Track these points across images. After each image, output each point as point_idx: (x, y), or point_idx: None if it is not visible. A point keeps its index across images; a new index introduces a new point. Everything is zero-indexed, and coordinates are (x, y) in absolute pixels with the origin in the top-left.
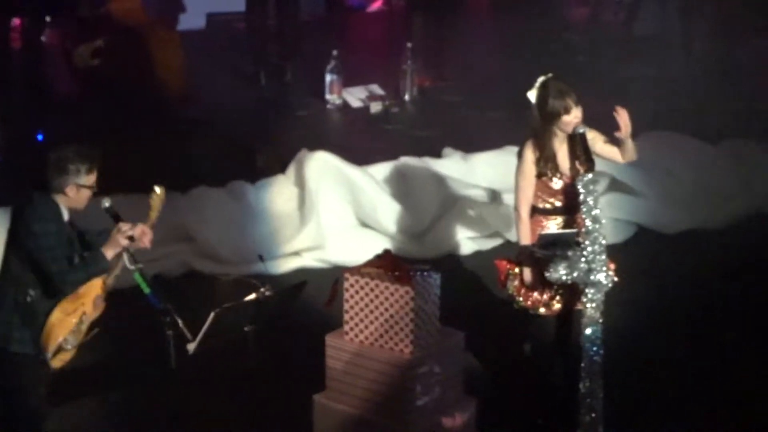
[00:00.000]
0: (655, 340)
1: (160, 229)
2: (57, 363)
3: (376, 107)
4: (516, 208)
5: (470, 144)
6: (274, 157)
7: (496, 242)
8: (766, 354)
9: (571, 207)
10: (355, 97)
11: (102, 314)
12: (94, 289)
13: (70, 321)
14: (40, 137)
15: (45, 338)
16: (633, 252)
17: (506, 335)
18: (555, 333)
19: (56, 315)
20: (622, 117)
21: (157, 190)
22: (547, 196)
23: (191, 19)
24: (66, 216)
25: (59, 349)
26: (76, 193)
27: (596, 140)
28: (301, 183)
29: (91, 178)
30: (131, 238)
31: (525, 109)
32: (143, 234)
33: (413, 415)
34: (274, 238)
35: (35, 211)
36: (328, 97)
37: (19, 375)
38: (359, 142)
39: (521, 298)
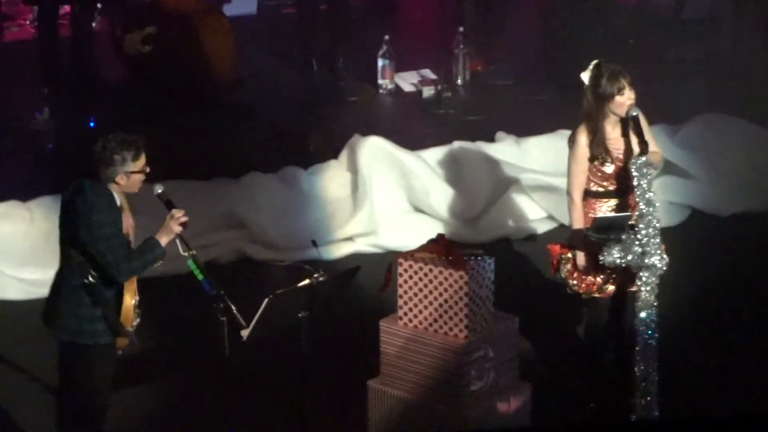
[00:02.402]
0: (710, 323)
1: (212, 215)
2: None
3: (428, 92)
4: (569, 193)
5: (523, 128)
6: (326, 142)
7: (549, 226)
8: None
9: (623, 190)
10: (407, 81)
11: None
12: None
13: (131, 301)
14: (91, 124)
15: (125, 318)
16: (687, 235)
17: (560, 319)
18: (609, 316)
19: (127, 295)
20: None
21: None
22: (600, 179)
23: (242, 5)
24: (119, 201)
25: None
26: (126, 180)
27: (644, 129)
28: (353, 168)
29: (139, 164)
30: (184, 225)
31: (577, 93)
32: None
33: (467, 400)
34: (327, 224)
35: (90, 201)
36: (380, 82)
37: (90, 367)
38: (412, 127)
39: (574, 282)
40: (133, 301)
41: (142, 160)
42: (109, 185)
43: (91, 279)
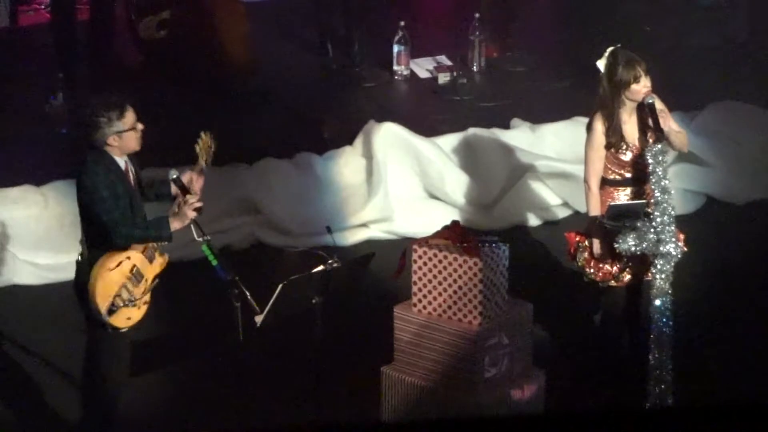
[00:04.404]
0: (724, 311)
1: (227, 201)
2: (122, 323)
3: (443, 78)
4: (586, 180)
5: (538, 115)
6: (341, 128)
7: (564, 213)
8: None
9: (641, 178)
10: (422, 68)
11: (166, 268)
12: None
13: (114, 277)
14: None
15: (91, 297)
16: (702, 223)
17: (575, 307)
18: (625, 305)
19: (95, 271)
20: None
21: (203, 134)
22: (617, 167)
23: None
24: (123, 164)
25: (113, 309)
26: (119, 140)
27: (666, 118)
28: (368, 154)
29: (127, 122)
30: (199, 210)
31: (593, 80)
32: (192, 181)
33: (481, 387)
34: (342, 210)
35: (86, 166)
36: (395, 68)
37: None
38: (427, 113)
39: (591, 271)
40: (123, 275)
41: (129, 117)
42: (107, 149)
43: (78, 258)
